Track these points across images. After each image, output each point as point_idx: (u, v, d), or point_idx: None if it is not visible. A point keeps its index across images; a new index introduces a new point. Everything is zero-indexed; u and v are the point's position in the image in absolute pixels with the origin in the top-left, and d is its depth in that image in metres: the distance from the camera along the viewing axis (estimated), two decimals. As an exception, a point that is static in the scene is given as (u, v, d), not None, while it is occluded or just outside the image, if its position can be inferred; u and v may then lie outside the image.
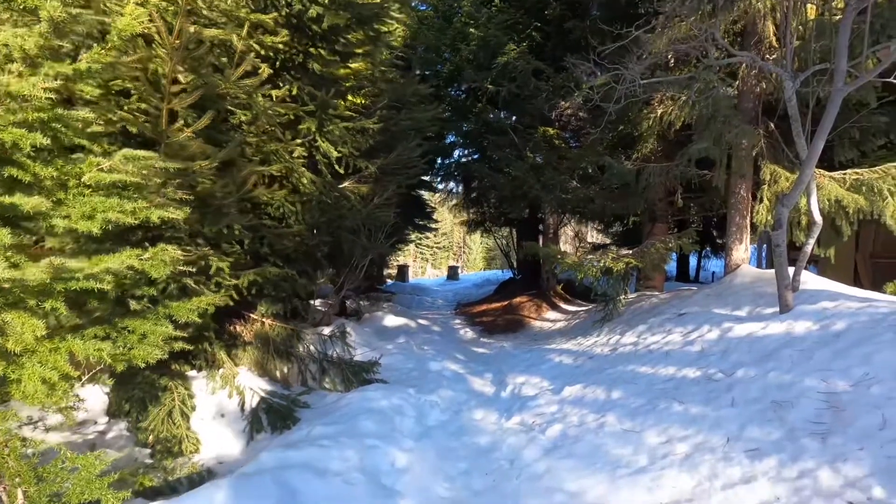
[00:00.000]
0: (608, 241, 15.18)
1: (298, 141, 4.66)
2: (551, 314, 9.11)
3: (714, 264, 15.21)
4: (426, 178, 13.95)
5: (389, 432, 3.52)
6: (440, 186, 15.13)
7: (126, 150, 2.08)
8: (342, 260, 6.20)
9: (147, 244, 2.73)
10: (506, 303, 10.56)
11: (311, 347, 5.43)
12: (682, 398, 3.19)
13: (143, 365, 2.53)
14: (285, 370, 5.09)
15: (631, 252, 5.56)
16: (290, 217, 4.79)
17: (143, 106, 2.75)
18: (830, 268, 6.60)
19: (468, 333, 8.92)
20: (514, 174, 6.97)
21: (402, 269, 21.38)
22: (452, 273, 22.91)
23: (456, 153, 12.86)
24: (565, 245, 15.11)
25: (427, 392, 4.75)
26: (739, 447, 2.45)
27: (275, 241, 4.55)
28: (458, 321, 10.25)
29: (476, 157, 10.81)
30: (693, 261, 14.83)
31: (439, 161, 12.70)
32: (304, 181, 4.75)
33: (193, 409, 3.96)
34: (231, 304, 3.96)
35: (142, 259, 2.42)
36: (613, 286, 5.76)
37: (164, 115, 2.64)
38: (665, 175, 5.86)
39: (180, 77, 3.08)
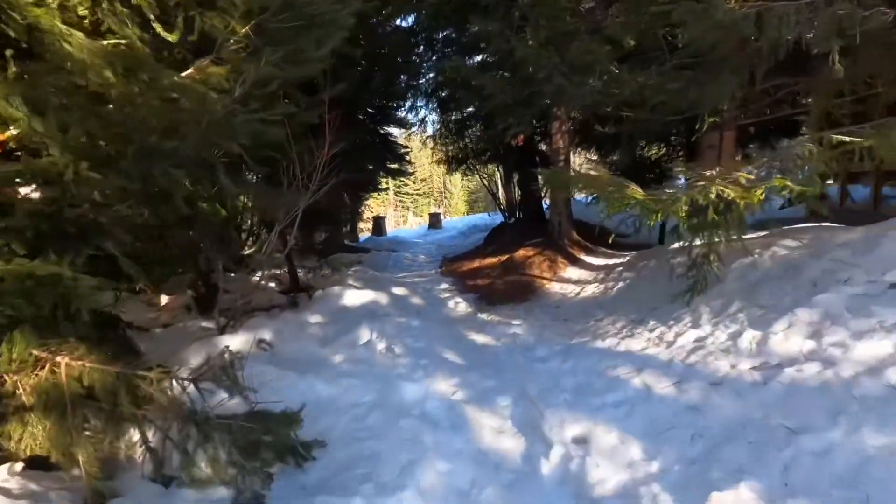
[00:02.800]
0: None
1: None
2: (572, 272, 6.64)
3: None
4: (398, 112, 11.56)
5: None
6: (411, 117, 12.52)
7: None
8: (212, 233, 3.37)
9: None
10: (504, 257, 8.13)
11: (188, 389, 2.81)
12: None
13: None
14: (114, 454, 2.54)
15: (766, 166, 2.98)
16: (47, 144, 2.06)
17: None
18: None
19: (460, 306, 6.45)
20: (519, 55, 4.12)
21: (378, 222, 18.72)
22: (434, 220, 20.34)
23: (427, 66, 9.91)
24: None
25: (391, 485, 2.28)
26: None
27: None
28: (444, 286, 7.84)
29: (454, 53, 7.74)
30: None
31: (403, 82, 9.89)
32: (70, 47, 1.99)
33: None
34: None
35: None
36: (712, 231, 3.23)
37: None
38: (807, 23, 3.14)
39: None
